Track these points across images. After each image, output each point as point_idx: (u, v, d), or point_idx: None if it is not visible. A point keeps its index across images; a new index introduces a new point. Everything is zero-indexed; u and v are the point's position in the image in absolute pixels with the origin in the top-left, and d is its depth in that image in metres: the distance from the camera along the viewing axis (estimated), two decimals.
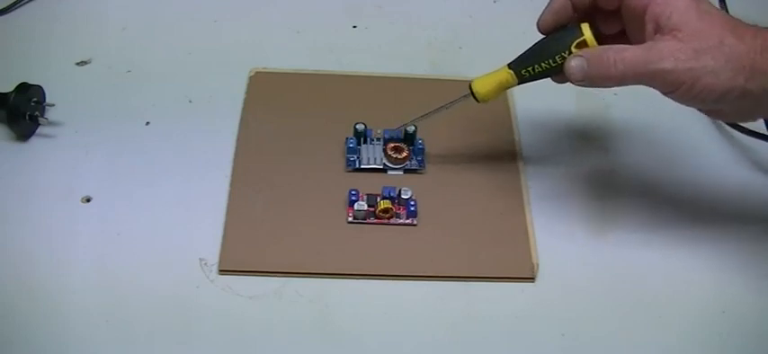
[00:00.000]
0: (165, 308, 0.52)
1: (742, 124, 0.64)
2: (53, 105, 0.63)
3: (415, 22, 0.75)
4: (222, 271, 0.54)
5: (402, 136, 0.61)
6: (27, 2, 0.73)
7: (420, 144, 0.60)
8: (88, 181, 0.59)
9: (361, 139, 0.61)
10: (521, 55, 0.54)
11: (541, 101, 0.67)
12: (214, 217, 0.57)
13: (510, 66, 0.55)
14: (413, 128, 0.61)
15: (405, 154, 0.60)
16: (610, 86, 0.52)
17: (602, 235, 0.58)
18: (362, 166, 0.60)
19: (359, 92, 0.67)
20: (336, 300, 0.54)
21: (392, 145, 0.60)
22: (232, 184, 0.59)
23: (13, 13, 0.73)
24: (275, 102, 0.65)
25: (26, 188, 0.58)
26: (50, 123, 0.62)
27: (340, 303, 0.53)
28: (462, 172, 0.61)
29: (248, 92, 0.66)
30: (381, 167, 0.60)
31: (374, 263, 0.55)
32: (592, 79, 0.50)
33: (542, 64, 0.53)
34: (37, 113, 0.62)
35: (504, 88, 0.55)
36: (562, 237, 0.57)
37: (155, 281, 0.54)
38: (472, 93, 0.56)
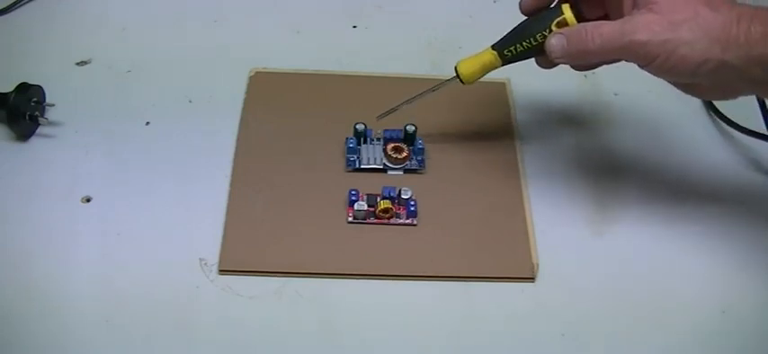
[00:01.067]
0: (165, 308, 0.52)
1: (742, 124, 0.64)
2: (53, 105, 0.63)
3: (415, 22, 0.75)
4: (222, 271, 0.54)
5: (401, 136, 0.61)
6: (27, 2, 0.73)
7: (420, 144, 0.60)
8: (88, 181, 0.59)
9: (361, 139, 0.61)
10: (504, 36, 0.55)
11: (541, 102, 0.67)
12: (214, 217, 0.57)
13: (493, 47, 0.56)
14: (413, 128, 0.61)
15: (405, 154, 0.60)
16: (590, 64, 0.53)
17: (603, 236, 0.58)
18: (362, 166, 0.60)
19: (359, 92, 0.67)
20: (336, 300, 0.54)
21: (392, 145, 0.60)
22: (232, 184, 0.59)
23: (13, 13, 0.73)
24: (275, 102, 0.65)
25: (26, 188, 0.58)
26: (50, 123, 0.62)
27: (340, 303, 0.53)
28: (462, 172, 0.61)
29: (248, 92, 0.66)
30: (381, 167, 0.60)
31: (374, 263, 0.55)
32: (571, 55, 0.51)
33: (524, 43, 0.54)
34: (37, 113, 0.62)
35: (488, 69, 0.56)
36: (562, 237, 0.57)
37: (155, 281, 0.53)
38: (458, 75, 0.57)
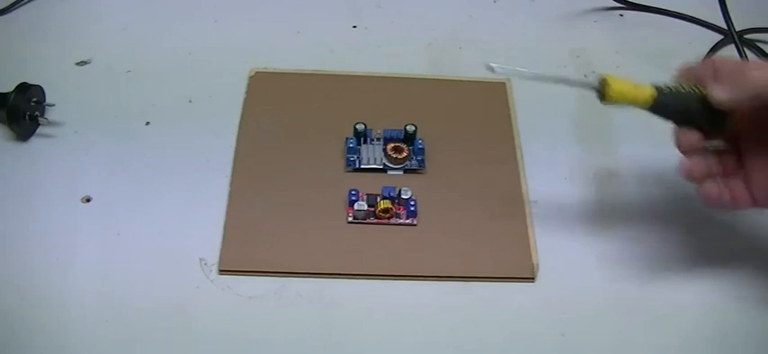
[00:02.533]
0: (165, 308, 0.52)
1: None
2: (53, 105, 0.63)
3: (415, 22, 0.75)
4: (222, 271, 0.54)
5: (402, 135, 0.61)
6: (27, 2, 0.73)
7: (420, 144, 0.60)
8: (88, 181, 0.59)
9: (361, 139, 0.61)
10: None
11: (541, 102, 0.67)
12: (214, 217, 0.57)
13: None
14: (413, 127, 0.61)
15: (405, 154, 0.60)
16: (754, 101, 0.47)
17: (603, 235, 0.58)
18: (362, 166, 0.60)
19: (359, 92, 0.67)
20: (336, 300, 0.54)
21: (392, 145, 0.60)
22: (232, 184, 0.59)
23: (13, 13, 0.73)
24: (275, 102, 0.65)
25: (26, 188, 0.58)
26: (50, 123, 0.62)
27: (340, 303, 0.53)
28: (462, 172, 0.61)
29: (248, 92, 0.66)
30: (381, 167, 0.60)
31: (374, 263, 0.55)
32: (733, 93, 0.47)
33: (685, 86, 0.49)
34: (37, 113, 0.62)
35: (635, 97, 0.49)
36: (562, 237, 0.57)
37: (155, 281, 0.53)
38: (600, 89, 0.49)
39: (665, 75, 0.50)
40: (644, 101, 0.49)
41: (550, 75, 0.51)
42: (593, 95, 0.67)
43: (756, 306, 0.55)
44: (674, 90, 0.49)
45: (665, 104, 0.49)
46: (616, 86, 0.48)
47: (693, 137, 0.49)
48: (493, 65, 0.50)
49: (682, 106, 0.49)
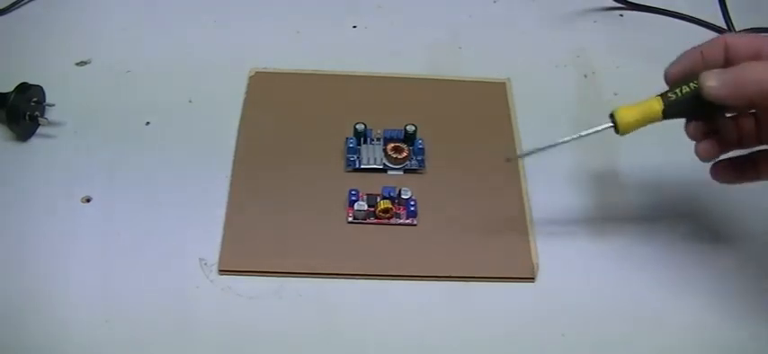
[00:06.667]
0: (165, 308, 0.52)
1: None
2: (53, 105, 0.63)
3: (415, 21, 0.75)
4: (222, 271, 0.54)
5: (402, 135, 0.61)
6: (27, 2, 0.73)
7: (420, 144, 0.60)
8: (88, 181, 0.59)
9: (361, 139, 0.61)
10: None
11: (541, 102, 0.67)
12: (214, 217, 0.57)
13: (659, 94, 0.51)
14: (413, 127, 0.61)
15: (405, 154, 0.60)
16: (746, 100, 0.49)
17: (603, 236, 0.58)
18: (362, 166, 0.60)
19: (359, 92, 0.67)
20: (336, 300, 0.54)
21: (392, 145, 0.60)
22: (232, 184, 0.59)
23: (13, 13, 0.73)
24: (275, 103, 0.65)
25: (26, 188, 0.58)
26: (50, 123, 0.62)
27: (340, 303, 0.53)
28: (462, 172, 0.61)
29: (248, 92, 0.66)
30: (381, 167, 0.60)
31: (374, 263, 0.55)
32: (727, 85, 0.48)
33: (691, 84, 0.49)
34: (37, 113, 0.62)
35: (647, 117, 0.51)
36: (562, 237, 0.57)
37: (155, 281, 0.53)
38: (613, 123, 0.51)
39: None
40: (655, 117, 0.51)
41: (566, 139, 0.53)
42: (592, 95, 0.68)
43: (758, 308, 0.55)
44: (678, 93, 0.50)
45: (674, 111, 0.50)
46: (626, 119, 0.51)
47: (700, 126, 0.51)
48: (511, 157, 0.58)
49: (687, 106, 0.50)
